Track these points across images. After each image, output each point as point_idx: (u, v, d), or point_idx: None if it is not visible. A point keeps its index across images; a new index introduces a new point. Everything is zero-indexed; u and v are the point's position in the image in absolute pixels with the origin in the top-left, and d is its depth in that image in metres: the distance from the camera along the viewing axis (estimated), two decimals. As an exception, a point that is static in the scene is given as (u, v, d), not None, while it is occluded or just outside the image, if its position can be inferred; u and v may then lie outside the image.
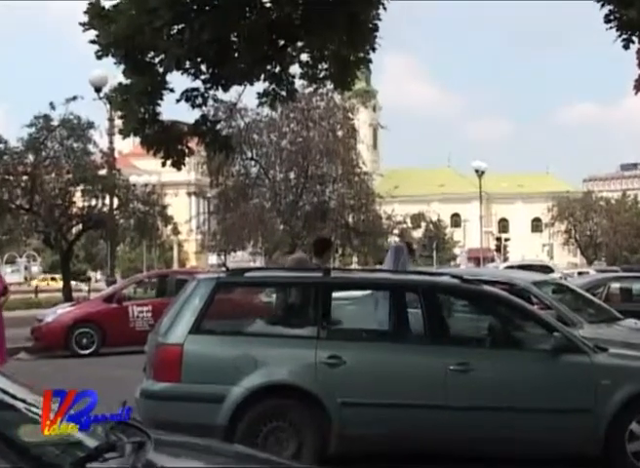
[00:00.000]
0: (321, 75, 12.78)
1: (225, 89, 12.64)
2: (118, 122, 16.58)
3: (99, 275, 77.94)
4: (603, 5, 11.00)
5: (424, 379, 8.46)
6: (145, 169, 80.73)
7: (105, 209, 31.75)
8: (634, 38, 10.96)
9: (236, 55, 12.06)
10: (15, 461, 3.43)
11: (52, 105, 30.71)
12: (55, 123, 31.51)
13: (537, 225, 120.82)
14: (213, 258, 67.85)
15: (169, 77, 12.13)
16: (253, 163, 38.88)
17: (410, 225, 51.56)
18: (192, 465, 4.27)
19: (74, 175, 31.91)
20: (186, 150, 13.07)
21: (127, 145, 75.26)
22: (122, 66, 12.11)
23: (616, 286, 18.76)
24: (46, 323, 20.78)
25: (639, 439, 8.38)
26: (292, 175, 38.83)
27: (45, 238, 33.95)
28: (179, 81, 12.34)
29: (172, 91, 12.28)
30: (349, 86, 13.35)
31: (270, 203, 38.95)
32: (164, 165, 13.20)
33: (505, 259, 72.40)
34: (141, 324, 20.11)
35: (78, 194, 32.94)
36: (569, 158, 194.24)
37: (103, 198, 32.28)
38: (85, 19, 11.59)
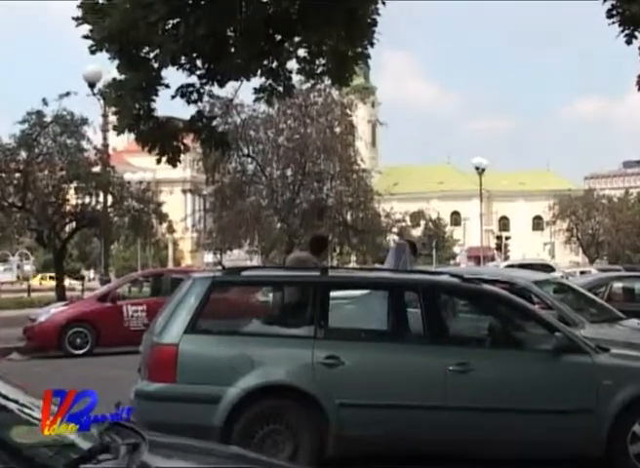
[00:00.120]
0: (319, 71, 12.77)
1: (221, 84, 12.63)
2: (112, 118, 16.63)
3: (92, 274, 77.95)
4: (605, 0, 11.01)
5: (424, 380, 8.47)
6: (140, 166, 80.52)
7: (99, 206, 31.74)
8: (637, 33, 10.96)
9: (232, 50, 12.06)
10: (7, 462, 3.43)
11: (44, 101, 30.71)
12: (48, 119, 31.48)
13: (538, 223, 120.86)
14: (208, 257, 67.83)
15: (164, 72, 12.14)
16: (249, 160, 38.84)
17: (409, 223, 51.54)
18: (187, 467, 4.27)
19: (67, 172, 31.89)
20: (182, 147, 13.06)
21: (121, 142, 75.29)
22: (116, 62, 12.10)
23: (618, 285, 18.77)
24: (39, 322, 20.78)
25: (642, 440, 8.40)
26: (289, 173, 38.80)
27: (38, 236, 33.92)
28: (174, 76, 12.34)
29: (167, 86, 12.28)
30: (347, 82, 13.34)
31: (267, 200, 38.91)
32: (159, 162, 13.19)
33: (506, 258, 72.39)
34: (136, 323, 20.11)
35: (71, 191, 32.92)
36: (570, 155, 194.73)
37: (97, 195, 32.27)
38: (78, 13, 11.57)
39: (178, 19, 11.37)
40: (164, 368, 8.36)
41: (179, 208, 68.81)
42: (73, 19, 11.58)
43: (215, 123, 15.77)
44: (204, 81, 12.38)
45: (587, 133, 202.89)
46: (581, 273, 40.90)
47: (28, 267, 79.03)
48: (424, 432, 8.39)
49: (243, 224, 38.85)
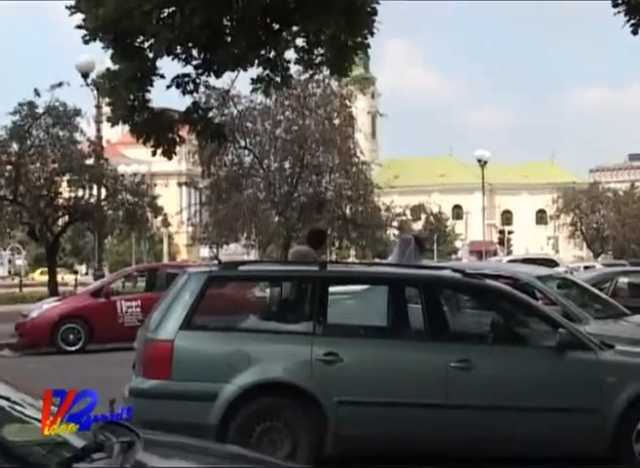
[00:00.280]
0: (317, 61, 12.76)
1: (218, 75, 12.62)
2: (106, 109, 16.60)
3: (84, 268, 77.95)
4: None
5: (424, 377, 8.48)
6: (134, 158, 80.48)
7: (93, 199, 31.76)
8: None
9: (229, 39, 12.05)
10: (-1, 461, 3.44)
11: (36, 92, 30.70)
12: (40, 110, 31.48)
13: (541, 217, 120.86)
14: (204, 251, 67.83)
15: (159, 62, 12.13)
16: (246, 152, 38.79)
17: (409, 217, 51.46)
18: (183, 466, 4.28)
19: (60, 164, 31.90)
20: (177, 139, 13.06)
21: (115, 133, 75.05)
22: (110, 51, 12.09)
23: (623, 280, 18.78)
24: (31, 318, 20.79)
25: (647, 438, 8.41)
26: (287, 165, 38.73)
27: (30, 230, 33.92)
28: (169, 67, 12.33)
29: (162, 77, 12.27)
30: (347, 72, 13.34)
31: (264, 193, 38.86)
32: (154, 154, 13.19)
33: (509, 253, 72.62)
34: (130, 319, 20.12)
35: (64, 184, 32.94)
36: (575, 148, 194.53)
37: (91, 188, 32.28)
38: (72, 2, 11.57)
39: (173, 8, 11.37)
40: (159, 364, 8.37)
41: (174, 201, 68.64)
42: (66, 7, 11.58)
43: (211, 114, 15.78)
44: (200, 71, 12.37)
45: (593, 125, 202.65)
46: (586, 268, 40.86)
47: (20, 262, 79.12)
48: (425, 430, 8.40)
49: (240, 218, 38.80)
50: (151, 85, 12.25)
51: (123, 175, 35.01)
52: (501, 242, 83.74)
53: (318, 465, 8.01)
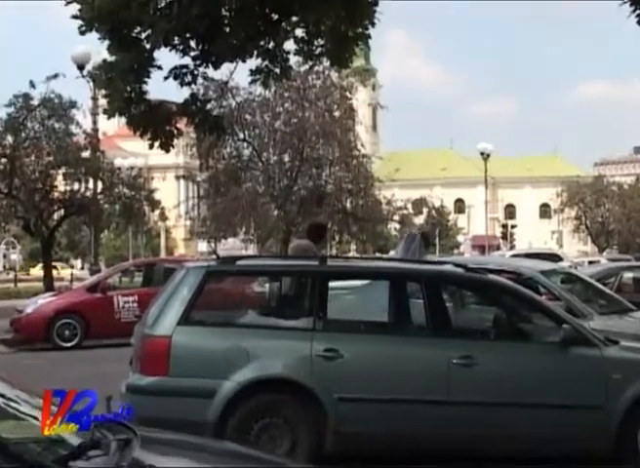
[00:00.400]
0: (317, 52, 12.74)
1: (216, 66, 12.61)
2: (102, 101, 16.53)
3: (79, 263, 77.89)
4: (616, -21, 10.99)
5: (426, 373, 8.48)
6: (131, 151, 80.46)
7: (89, 193, 31.76)
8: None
9: (227, 30, 12.03)
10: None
11: (32, 84, 30.64)
12: (35, 102, 31.46)
13: (545, 211, 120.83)
14: (202, 246, 67.81)
15: (156, 53, 12.10)
16: (245, 145, 38.77)
17: (411, 211, 51.42)
18: (181, 463, 4.27)
19: (56, 157, 31.89)
20: (175, 131, 13.05)
21: (112, 126, 74.98)
22: (106, 42, 12.07)
23: (628, 275, 18.79)
24: (26, 314, 20.80)
25: (652, 437, 8.40)
26: (286, 158, 38.72)
27: (25, 224, 33.93)
28: (166, 58, 12.32)
29: (159, 68, 12.25)
30: (347, 63, 13.31)
31: (263, 187, 38.85)
32: (151, 147, 13.19)
33: (512, 247, 72.53)
34: (127, 315, 20.14)
35: (60, 177, 32.92)
36: (579, 141, 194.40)
37: (87, 182, 32.27)
38: (67, -9, 11.54)
39: (170, -2, 11.35)
40: (156, 360, 8.37)
41: (171, 194, 68.61)
42: (62, -3, 11.55)
43: (209, 106, 15.74)
44: (198, 62, 12.36)
45: (597, 117, 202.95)
46: (590, 263, 40.85)
47: (15, 256, 79.08)
48: (427, 428, 8.40)
49: (238, 212, 38.79)
50: (148, 76, 12.24)
51: (119, 169, 34.99)
52: (504, 236, 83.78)
53: (318, 463, 8.02)
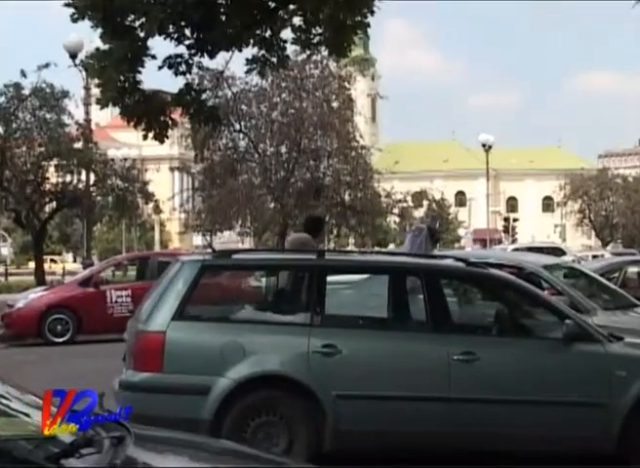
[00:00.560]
0: (315, 40, 12.74)
1: (211, 55, 12.61)
2: (95, 91, 16.58)
3: (70, 257, 77.92)
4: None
5: (426, 370, 8.48)
6: (125, 142, 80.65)
7: (81, 185, 31.75)
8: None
9: (223, 18, 12.03)
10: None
11: (23, 73, 30.64)
12: (26, 92, 31.44)
13: (548, 204, 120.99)
14: (197, 239, 67.69)
15: (150, 42, 12.12)
16: (241, 136, 38.73)
17: (411, 204, 51.41)
18: (175, 462, 4.27)
19: (47, 148, 31.87)
20: (169, 122, 13.06)
21: (105, 116, 75.11)
22: (100, 30, 12.08)
23: (633, 270, 18.80)
24: (17, 308, 20.81)
25: (656, 435, 8.40)
26: (283, 150, 38.68)
27: (16, 216, 33.94)
28: (161, 46, 12.32)
29: (154, 57, 12.26)
30: (346, 52, 13.31)
31: (260, 179, 38.81)
32: (145, 138, 13.20)
33: (514, 241, 72.52)
34: (120, 309, 20.15)
35: (52, 169, 32.91)
36: (583, 132, 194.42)
37: (79, 173, 32.27)
38: (59, -22, 11.54)
39: (165, -15, 11.35)
40: (150, 356, 8.37)
41: (166, 187, 68.71)
42: (54, -16, 11.55)
43: (204, 96, 15.74)
44: (193, 51, 12.36)
45: (602, 107, 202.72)
46: (594, 257, 40.93)
47: (6, 249, 79.05)
48: (427, 425, 8.40)
49: (234, 204, 38.74)
50: (142, 65, 12.24)
51: (113, 160, 34.98)
52: (506, 230, 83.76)
53: (316, 462, 8.02)
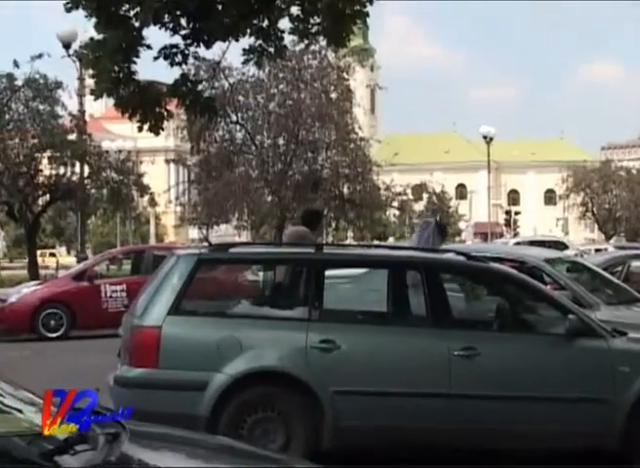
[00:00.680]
0: (313, 30, 12.72)
1: (208, 45, 12.59)
2: (89, 81, 16.57)
3: (64, 250, 77.87)
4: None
5: (426, 366, 8.48)
6: (119, 133, 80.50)
7: (75, 177, 31.77)
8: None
9: (219, 7, 12.01)
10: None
11: (15, 63, 30.63)
12: (19, 83, 31.45)
13: (550, 197, 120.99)
14: (194, 232, 67.87)
15: (145, 32, 12.09)
16: (238, 127, 38.77)
17: (411, 197, 51.47)
18: (171, 459, 4.28)
19: (41, 140, 31.87)
20: (165, 113, 13.04)
21: (99, 107, 75.07)
22: (94, 20, 12.05)
23: (636, 264, 18.77)
24: (10, 303, 20.79)
25: (660, 432, 8.40)
26: (281, 141, 38.72)
27: (8, 209, 33.94)
28: (156, 36, 12.29)
29: (149, 47, 12.23)
30: (344, 42, 13.28)
31: (257, 171, 38.86)
32: (140, 129, 13.18)
33: (515, 235, 72.51)
34: (115, 304, 20.15)
35: (45, 161, 32.92)
36: (586, 123, 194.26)
37: (73, 165, 32.28)
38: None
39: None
40: (145, 352, 8.37)
41: (161, 179, 68.67)
42: (47, -27, 11.54)
43: (200, 87, 15.72)
44: (189, 41, 12.34)
45: (605, 99, 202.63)
46: (597, 251, 40.94)
47: (-2, 243, 79.10)
48: (427, 422, 8.40)
49: (231, 197, 38.78)
50: (137, 56, 12.22)
51: (107, 152, 34.99)
52: (508, 223, 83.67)
53: (315, 459, 8.02)
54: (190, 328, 8.57)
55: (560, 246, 38.83)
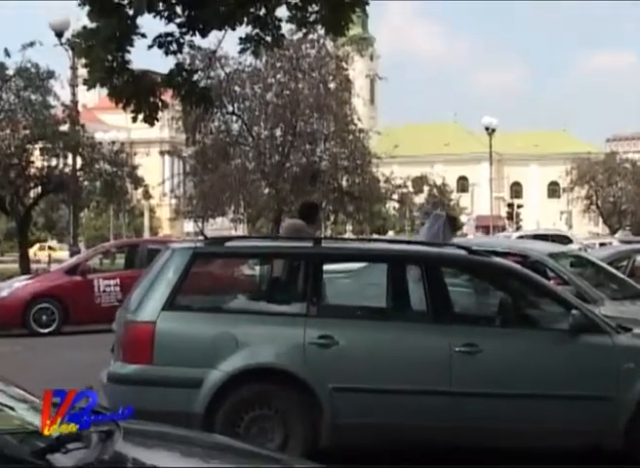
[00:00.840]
0: (311, 19, 12.71)
1: (203, 34, 12.58)
2: (82, 71, 16.53)
3: (56, 244, 77.81)
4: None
5: (427, 362, 8.48)
6: (113, 124, 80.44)
7: (68, 169, 31.73)
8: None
9: (216, -5, 12.00)
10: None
11: (7, 52, 30.57)
12: (10, 72, 31.40)
13: (554, 190, 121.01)
14: (189, 226, 67.78)
15: (140, 20, 12.08)
16: (234, 118, 38.70)
17: (411, 189, 51.44)
18: (165, 457, 4.28)
19: (32, 130, 31.82)
20: (159, 103, 13.03)
21: (92, 98, 74.89)
22: (87, 8, 12.04)
23: (642, 259, 18.77)
24: (1, 298, 20.78)
25: (665, 431, 8.41)
26: (278, 133, 38.65)
27: (-1, 202, 33.89)
28: (151, 25, 12.28)
29: (143, 36, 12.23)
30: (343, 31, 13.27)
31: (254, 163, 38.79)
32: (134, 120, 13.17)
33: (518, 228, 72.64)
34: (108, 299, 20.16)
35: (37, 153, 32.87)
36: (590, 115, 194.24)
37: (65, 157, 32.23)
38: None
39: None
40: (139, 348, 8.37)
41: (156, 171, 68.58)
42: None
43: (196, 77, 15.67)
44: (184, 30, 12.33)
45: (610, 89, 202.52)
46: (601, 245, 40.91)
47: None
48: (427, 419, 8.40)
49: (227, 190, 38.72)
50: (131, 45, 12.21)
51: (100, 143, 34.90)
52: (510, 216, 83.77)
53: (313, 457, 8.02)
54: (185, 323, 8.57)
55: (564, 240, 38.82)
